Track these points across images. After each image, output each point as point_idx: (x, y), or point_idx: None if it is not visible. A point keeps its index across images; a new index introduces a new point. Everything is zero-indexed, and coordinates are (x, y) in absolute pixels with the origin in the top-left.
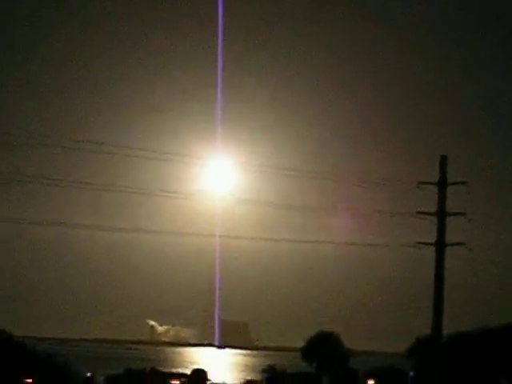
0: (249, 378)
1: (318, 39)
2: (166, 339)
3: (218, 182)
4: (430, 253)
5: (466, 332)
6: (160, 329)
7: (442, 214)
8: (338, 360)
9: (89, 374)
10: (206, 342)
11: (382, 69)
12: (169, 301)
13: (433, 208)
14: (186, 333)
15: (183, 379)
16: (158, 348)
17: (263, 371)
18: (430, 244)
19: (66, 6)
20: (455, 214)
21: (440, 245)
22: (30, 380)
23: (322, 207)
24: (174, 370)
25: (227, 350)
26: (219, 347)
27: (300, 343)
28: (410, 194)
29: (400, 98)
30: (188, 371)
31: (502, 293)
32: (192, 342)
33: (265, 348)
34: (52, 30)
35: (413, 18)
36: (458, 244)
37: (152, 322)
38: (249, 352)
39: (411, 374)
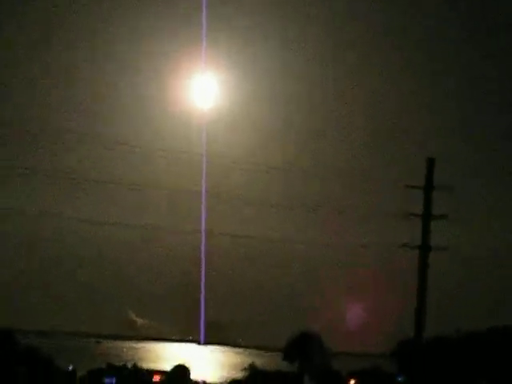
0: (233, 377)
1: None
2: (146, 333)
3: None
4: (415, 255)
5: (447, 335)
6: (140, 321)
7: (426, 217)
8: (319, 360)
9: (70, 368)
10: (190, 338)
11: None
12: (146, 295)
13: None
14: (165, 327)
15: (165, 376)
16: (138, 343)
17: (244, 370)
18: (415, 247)
19: None
20: (440, 216)
21: (424, 248)
22: (23, 369)
23: (305, 205)
24: (156, 367)
25: (209, 347)
26: (201, 344)
27: (281, 343)
28: (396, 196)
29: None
30: (169, 367)
31: (484, 296)
32: (173, 337)
33: (247, 346)
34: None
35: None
36: (443, 249)
37: (133, 315)
38: (231, 350)
39: (399, 379)
